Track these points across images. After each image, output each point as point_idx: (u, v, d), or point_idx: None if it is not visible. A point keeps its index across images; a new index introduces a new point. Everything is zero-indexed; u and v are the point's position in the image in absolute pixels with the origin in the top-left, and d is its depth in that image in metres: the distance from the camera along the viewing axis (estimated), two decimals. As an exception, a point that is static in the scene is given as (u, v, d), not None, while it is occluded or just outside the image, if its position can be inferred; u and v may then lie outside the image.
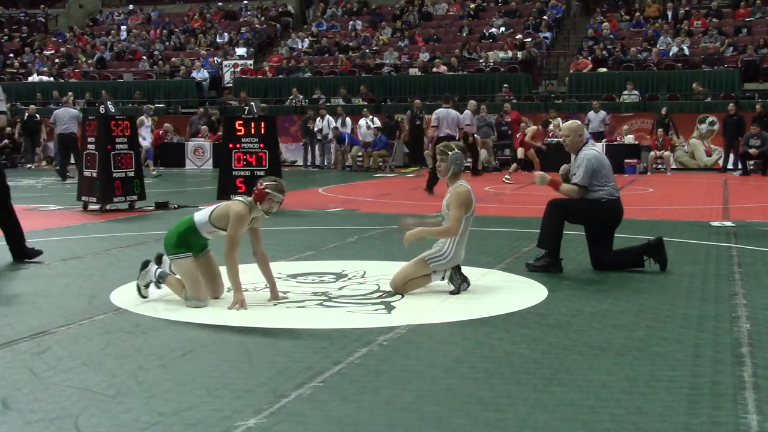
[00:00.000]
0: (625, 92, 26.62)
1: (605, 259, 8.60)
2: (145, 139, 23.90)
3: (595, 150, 8.79)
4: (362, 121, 25.49)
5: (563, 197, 8.64)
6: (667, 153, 23.97)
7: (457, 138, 17.06)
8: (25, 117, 27.10)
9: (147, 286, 7.08)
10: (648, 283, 7.89)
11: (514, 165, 20.74)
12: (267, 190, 6.94)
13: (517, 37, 31.16)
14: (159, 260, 7.18)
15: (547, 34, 31.67)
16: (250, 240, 7.16)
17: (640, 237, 10.80)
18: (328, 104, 27.71)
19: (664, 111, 24.51)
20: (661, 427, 4.19)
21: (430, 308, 6.87)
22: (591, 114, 24.82)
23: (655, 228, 11.70)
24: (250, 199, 7.01)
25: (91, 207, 14.27)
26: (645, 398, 4.59)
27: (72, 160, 21.24)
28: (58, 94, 31.48)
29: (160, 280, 7.02)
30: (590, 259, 8.67)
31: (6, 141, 27.42)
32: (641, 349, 5.59)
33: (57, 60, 35.27)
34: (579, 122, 9.16)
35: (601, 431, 4.15)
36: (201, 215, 7.04)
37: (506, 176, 20.31)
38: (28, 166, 27.10)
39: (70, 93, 28.89)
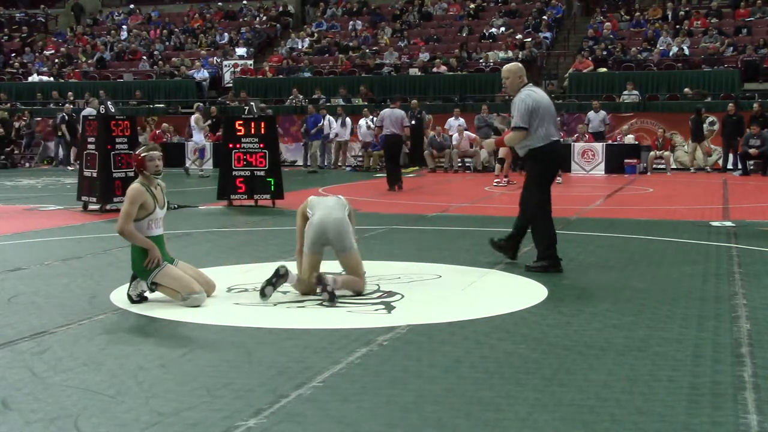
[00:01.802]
0: (625, 92, 26.62)
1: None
2: (197, 138, 24.24)
3: (532, 90, 8.58)
4: (362, 121, 25.49)
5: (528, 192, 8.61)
6: (667, 153, 23.97)
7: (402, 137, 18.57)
8: (66, 118, 26.87)
9: (139, 296, 7.08)
10: (648, 283, 7.88)
11: (498, 166, 20.23)
12: (142, 154, 7.25)
13: (517, 37, 31.14)
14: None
15: (547, 34, 31.66)
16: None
17: (640, 237, 10.81)
18: (328, 104, 27.70)
19: (701, 109, 24.09)
20: (661, 427, 4.19)
21: (430, 308, 6.87)
22: (591, 114, 24.84)
23: (655, 228, 11.71)
24: (140, 179, 7.27)
25: (91, 207, 14.28)
26: (645, 398, 4.59)
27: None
28: (57, 94, 31.49)
29: (153, 287, 7.04)
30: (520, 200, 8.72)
31: None
32: (641, 349, 5.59)
33: (57, 60, 35.27)
34: (520, 65, 9.00)
35: (601, 431, 4.15)
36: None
37: (495, 180, 19.74)
38: (70, 168, 25.93)
39: (87, 93, 28.87)
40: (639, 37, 30.61)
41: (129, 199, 7.06)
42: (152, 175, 7.25)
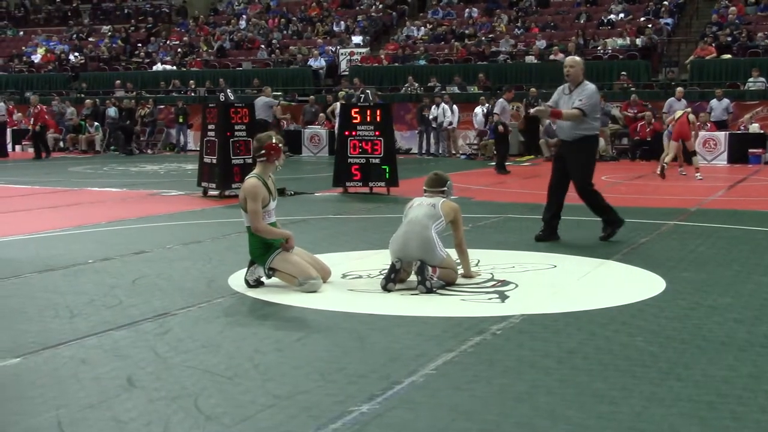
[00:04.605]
0: (751, 79, 25.69)
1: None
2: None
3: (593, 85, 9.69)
4: (478, 109, 25.34)
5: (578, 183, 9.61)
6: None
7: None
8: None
9: (256, 281, 7.22)
10: (772, 277, 7.61)
11: (695, 158, 18.46)
12: (280, 144, 7.34)
13: (641, 20, 30.39)
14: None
15: (668, 20, 30.80)
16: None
17: (764, 229, 10.46)
18: (444, 92, 27.63)
19: None
20: (785, 426, 4.05)
21: (544, 298, 6.80)
22: (714, 102, 24.07)
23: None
24: (257, 170, 7.32)
25: (211, 192, 14.64)
26: (768, 396, 4.45)
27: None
28: (179, 82, 32.35)
29: (270, 272, 7.17)
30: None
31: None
32: (765, 345, 5.41)
33: (180, 49, 36.21)
34: (581, 59, 10.09)
35: (720, 429, 4.04)
36: (243, 216, 7.33)
37: (697, 174, 17.83)
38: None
39: (256, 80, 29.55)
40: (766, 21, 29.48)
41: (251, 197, 7.11)
42: (275, 168, 7.36)
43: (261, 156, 7.32)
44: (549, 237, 9.65)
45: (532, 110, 9.88)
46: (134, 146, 28.79)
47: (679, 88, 22.92)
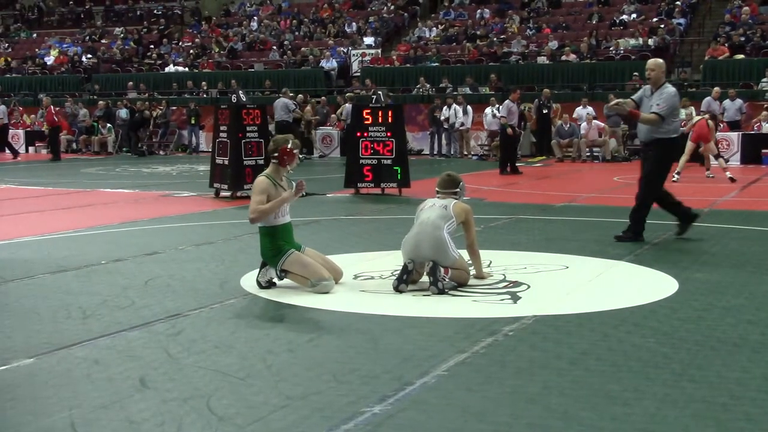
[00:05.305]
0: (764, 80, 25.58)
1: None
2: None
3: (674, 88, 9.66)
4: (488, 110, 25.31)
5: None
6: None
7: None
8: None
9: (268, 282, 7.23)
10: (786, 278, 7.58)
11: (721, 159, 18.45)
12: (294, 150, 7.35)
13: (653, 20, 30.31)
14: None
15: (681, 20, 30.68)
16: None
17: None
18: (455, 93, 27.62)
19: None
20: (799, 427, 4.03)
21: (557, 299, 6.79)
22: (727, 102, 23.97)
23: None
24: (269, 170, 7.36)
25: (223, 194, 14.67)
26: (782, 397, 4.43)
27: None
28: (192, 84, 32.43)
29: (282, 274, 7.17)
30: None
31: None
32: (778, 346, 5.39)
33: (192, 51, 36.30)
34: (662, 61, 9.95)
35: (734, 430, 4.02)
36: None
37: (729, 175, 17.60)
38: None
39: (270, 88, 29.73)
40: (780, 21, 29.35)
41: (256, 190, 7.21)
42: (287, 171, 7.39)
43: (274, 158, 7.34)
44: (684, 223, 9.77)
45: (612, 102, 9.79)
46: (144, 147, 28.86)
47: (716, 88, 22.64)
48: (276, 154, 7.32)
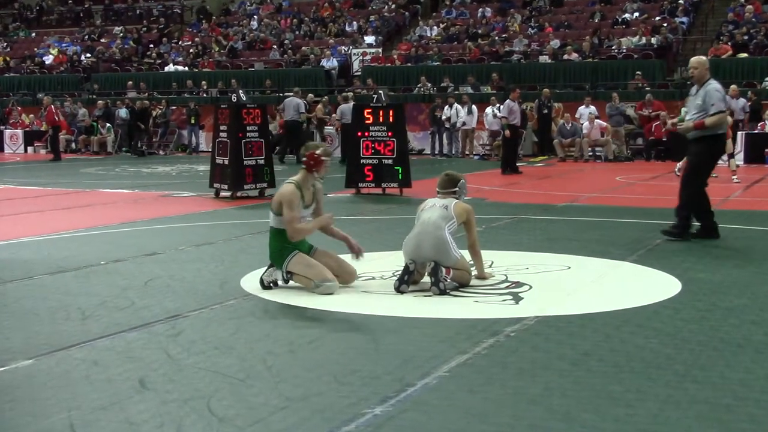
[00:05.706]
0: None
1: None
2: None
3: (718, 83, 9.76)
4: (489, 110, 25.27)
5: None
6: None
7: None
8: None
9: (271, 282, 7.19)
10: (789, 278, 7.55)
11: (732, 161, 18.25)
12: (323, 157, 7.20)
13: (656, 19, 30.27)
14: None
15: (684, 19, 30.64)
16: (312, 211, 7.38)
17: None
18: (456, 92, 27.58)
19: None
20: (804, 429, 4.00)
21: (559, 300, 6.76)
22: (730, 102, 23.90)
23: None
24: (297, 177, 7.22)
25: (223, 194, 14.64)
26: (786, 399, 4.39)
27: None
28: (192, 83, 32.40)
29: (288, 276, 7.14)
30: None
31: None
32: (782, 347, 5.36)
33: (192, 50, 36.27)
34: (706, 58, 10.14)
35: (738, 431, 4.00)
36: (270, 217, 7.28)
37: (735, 179, 17.58)
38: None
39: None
40: (783, 20, 29.28)
41: (287, 204, 7.05)
42: (315, 179, 7.30)
43: (303, 162, 7.29)
44: (701, 232, 9.74)
45: (678, 127, 10.01)
46: (143, 147, 28.81)
47: (733, 86, 22.60)
48: (305, 159, 7.26)
